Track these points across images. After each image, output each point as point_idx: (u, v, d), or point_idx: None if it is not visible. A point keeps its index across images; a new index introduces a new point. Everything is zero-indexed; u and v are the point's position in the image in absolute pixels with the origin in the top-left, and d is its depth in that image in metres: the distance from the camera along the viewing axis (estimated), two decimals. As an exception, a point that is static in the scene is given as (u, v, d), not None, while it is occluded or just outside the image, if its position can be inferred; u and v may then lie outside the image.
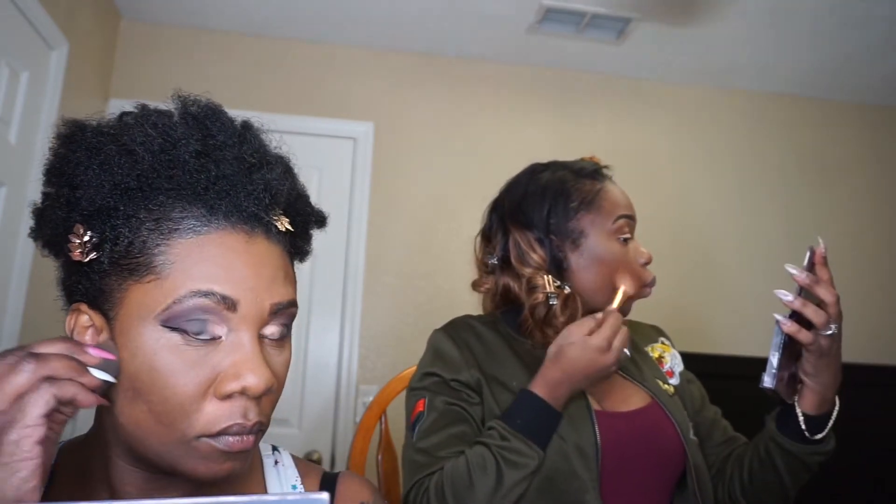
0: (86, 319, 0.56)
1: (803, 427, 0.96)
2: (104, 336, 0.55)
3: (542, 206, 1.07)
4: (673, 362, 1.17)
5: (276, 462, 0.71)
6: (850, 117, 2.99)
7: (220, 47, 2.55)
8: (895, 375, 2.39)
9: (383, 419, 1.29)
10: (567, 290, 1.05)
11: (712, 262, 2.72)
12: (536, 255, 1.05)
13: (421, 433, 1.00)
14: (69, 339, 0.49)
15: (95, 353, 0.50)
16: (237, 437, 0.53)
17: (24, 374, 0.45)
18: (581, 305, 1.05)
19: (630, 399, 1.06)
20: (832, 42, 2.52)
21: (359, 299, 2.43)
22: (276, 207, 0.58)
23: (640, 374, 1.10)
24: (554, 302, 1.03)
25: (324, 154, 2.51)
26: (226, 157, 0.56)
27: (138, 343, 0.53)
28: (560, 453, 0.95)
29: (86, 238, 0.55)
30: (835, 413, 0.98)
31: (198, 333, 0.53)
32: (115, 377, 0.51)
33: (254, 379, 0.52)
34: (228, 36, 2.56)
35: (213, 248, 0.54)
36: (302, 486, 0.69)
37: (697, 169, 2.83)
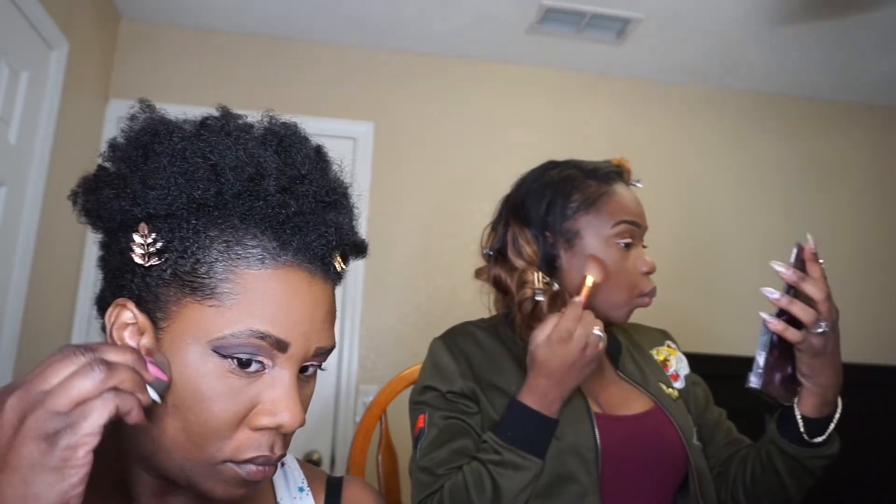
0: (129, 317, 0.56)
1: (802, 430, 0.94)
2: (146, 340, 0.55)
3: (541, 202, 1.07)
4: (678, 365, 1.16)
5: (283, 464, 0.71)
6: (850, 117, 2.99)
7: (219, 47, 2.55)
8: (895, 375, 2.39)
9: (383, 419, 1.29)
10: (556, 287, 1.04)
11: (713, 262, 2.72)
12: (529, 249, 1.05)
13: (423, 450, 1.00)
14: (136, 350, 0.48)
15: (154, 372, 0.49)
16: (260, 468, 0.55)
17: (93, 381, 0.43)
18: None
19: (632, 403, 1.05)
20: (832, 42, 2.51)
21: (359, 299, 2.43)
22: (339, 248, 0.59)
23: (643, 378, 1.09)
24: (540, 298, 1.02)
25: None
26: (306, 192, 0.57)
27: (186, 361, 0.53)
28: (557, 455, 0.94)
29: (150, 240, 0.55)
30: (836, 415, 0.95)
31: (245, 365, 0.53)
32: (163, 398, 0.51)
33: (288, 417, 0.54)
34: (228, 36, 2.56)
35: (277, 284, 0.54)
36: (309, 488, 0.70)
37: (698, 169, 2.83)
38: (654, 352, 1.17)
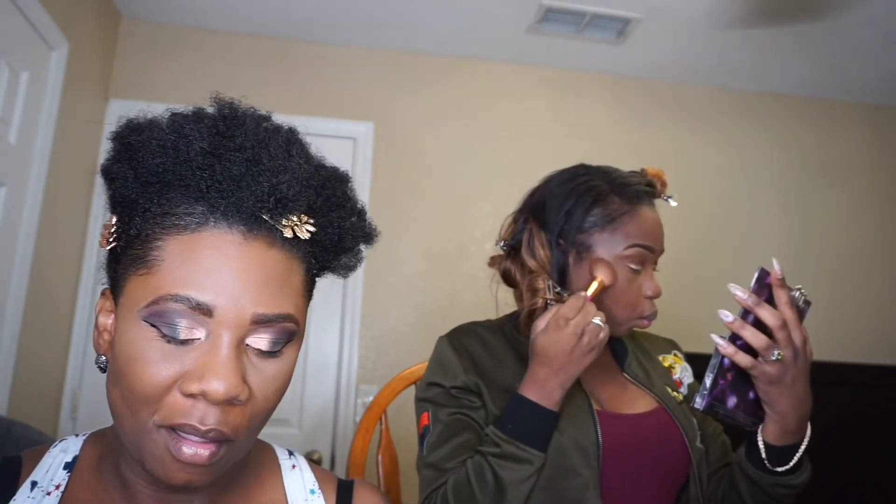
0: (109, 305, 0.60)
1: (764, 456, 0.91)
2: (109, 319, 0.59)
3: (560, 208, 1.05)
4: (683, 374, 1.16)
5: (294, 466, 0.71)
6: (850, 117, 2.99)
7: (220, 47, 2.55)
8: (895, 375, 2.39)
9: (383, 419, 1.29)
10: (566, 296, 1.03)
11: (711, 262, 2.72)
12: (543, 253, 1.05)
13: (429, 447, 1.01)
14: None
15: None
16: (189, 446, 0.52)
17: None
18: None
19: (635, 403, 1.05)
20: (832, 42, 2.51)
21: (359, 299, 2.43)
22: (287, 213, 0.57)
23: (648, 380, 1.09)
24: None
25: (323, 154, 2.50)
26: (236, 158, 0.55)
27: (123, 331, 0.54)
28: (558, 448, 0.95)
29: (112, 229, 0.58)
30: (802, 446, 0.91)
31: (175, 333, 0.53)
32: None
33: (216, 384, 0.51)
34: (228, 36, 2.56)
35: (203, 249, 0.54)
36: (320, 490, 0.70)
37: (697, 169, 2.83)
38: (660, 358, 1.18)
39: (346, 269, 0.66)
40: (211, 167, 0.55)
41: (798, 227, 2.82)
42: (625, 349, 1.14)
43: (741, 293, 0.85)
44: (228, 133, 0.57)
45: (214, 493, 0.62)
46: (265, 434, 0.65)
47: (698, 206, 2.78)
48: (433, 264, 2.51)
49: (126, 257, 0.56)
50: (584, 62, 2.74)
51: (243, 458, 0.63)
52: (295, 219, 0.57)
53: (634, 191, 1.05)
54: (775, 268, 0.86)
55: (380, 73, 2.65)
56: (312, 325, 2.38)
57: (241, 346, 0.54)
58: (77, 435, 0.66)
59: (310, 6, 2.39)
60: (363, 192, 2.51)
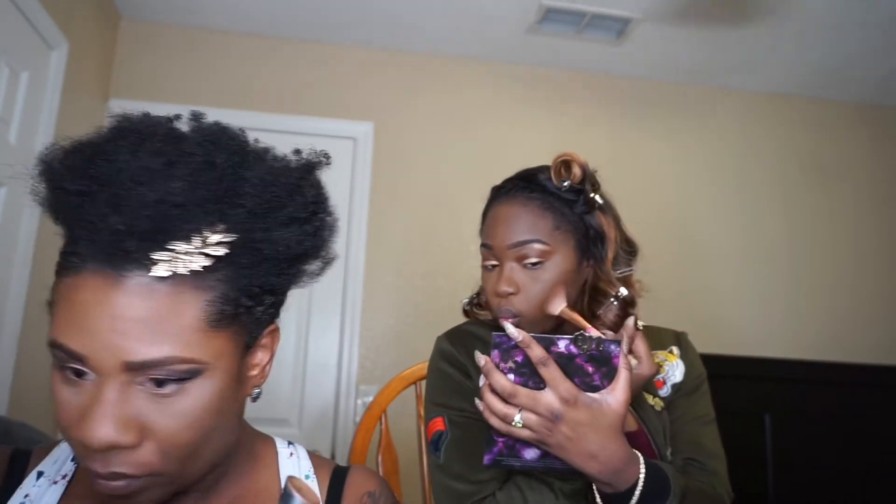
0: None
1: (599, 502, 0.81)
2: None
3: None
4: (669, 373, 1.09)
5: (291, 454, 0.72)
6: (850, 117, 2.99)
7: (219, 47, 2.55)
8: (895, 375, 2.39)
9: (383, 419, 1.29)
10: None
11: (712, 263, 2.72)
12: None
13: (449, 455, 0.96)
14: None
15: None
16: (106, 483, 0.52)
17: None
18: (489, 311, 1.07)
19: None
20: (832, 42, 2.52)
21: (359, 299, 2.43)
22: (162, 246, 0.51)
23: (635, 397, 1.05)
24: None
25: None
26: (101, 195, 0.51)
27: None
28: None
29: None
30: (637, 491, 0.77)
31: (79, 374, 0.52)
32: None
33: (89, 433, 0.50)
34: (228, 36, 2.56)
35: (80, 293, 0.51)
36: (315, 476, 0.71)
37: (697, 169, 2.83)
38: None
39: (309, 277, 0.63)
40: (79, 206, 0.52)
41: (796, 226, 2.82)
42: None
43: (482, 359, 0.75)
44: (100, 160, 0.53)
45: (206, 483, 0.62)
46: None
47: (698, 205, 2.78)
48: (433, 264, 2.51)
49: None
50: (583, 62, 2.74)
51: (237, 451, 0.64)
52: (183, 249, 0.51)
53: (492, 190, 1.09)
54: (511, 332, 0.74)
55: (380, 73, 2.65)
56: (312, 325, 2.38)
57: (127, 389, 0.51)
58: None
59: (310, 6, 2.39)
60: (363, 192, 2.51)
